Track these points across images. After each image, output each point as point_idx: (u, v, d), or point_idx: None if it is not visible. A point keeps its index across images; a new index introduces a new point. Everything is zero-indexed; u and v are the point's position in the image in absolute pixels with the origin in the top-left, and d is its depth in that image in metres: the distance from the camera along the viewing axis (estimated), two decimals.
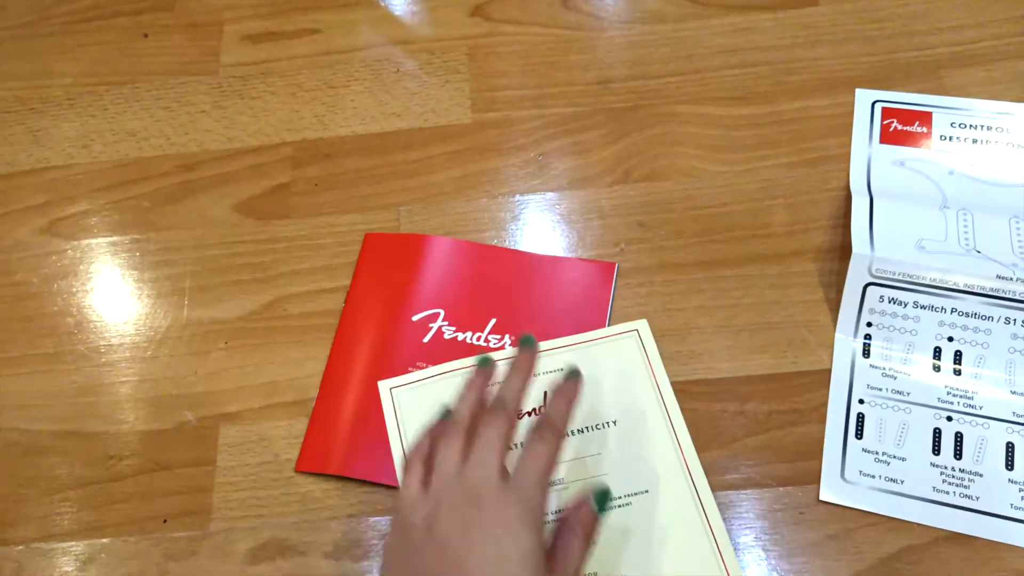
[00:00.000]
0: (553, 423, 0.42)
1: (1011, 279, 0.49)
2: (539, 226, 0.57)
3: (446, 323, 0.55)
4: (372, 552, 0.48)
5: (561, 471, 0.49)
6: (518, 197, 0.59)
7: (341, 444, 0.51)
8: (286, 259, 0.58)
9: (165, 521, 0.50)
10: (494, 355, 0.48)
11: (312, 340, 0.55)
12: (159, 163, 0.63)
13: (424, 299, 0.55)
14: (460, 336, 0.54)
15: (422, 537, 0.39)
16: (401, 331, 0.54)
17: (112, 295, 0.58)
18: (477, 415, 0.42)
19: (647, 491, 0.47)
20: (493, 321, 0.54)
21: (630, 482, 0.48)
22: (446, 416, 0.44)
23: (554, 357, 0.52)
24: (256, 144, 0.63)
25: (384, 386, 0.52)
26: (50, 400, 0.55)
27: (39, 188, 0.63)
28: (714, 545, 0.46)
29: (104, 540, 0.50)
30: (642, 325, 0.53)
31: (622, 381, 0.51)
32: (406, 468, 0.42)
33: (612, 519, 0.47)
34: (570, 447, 0.49)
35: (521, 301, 0.55)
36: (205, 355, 0.55)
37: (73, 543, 0.50)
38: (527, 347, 0.45)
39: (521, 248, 0.57)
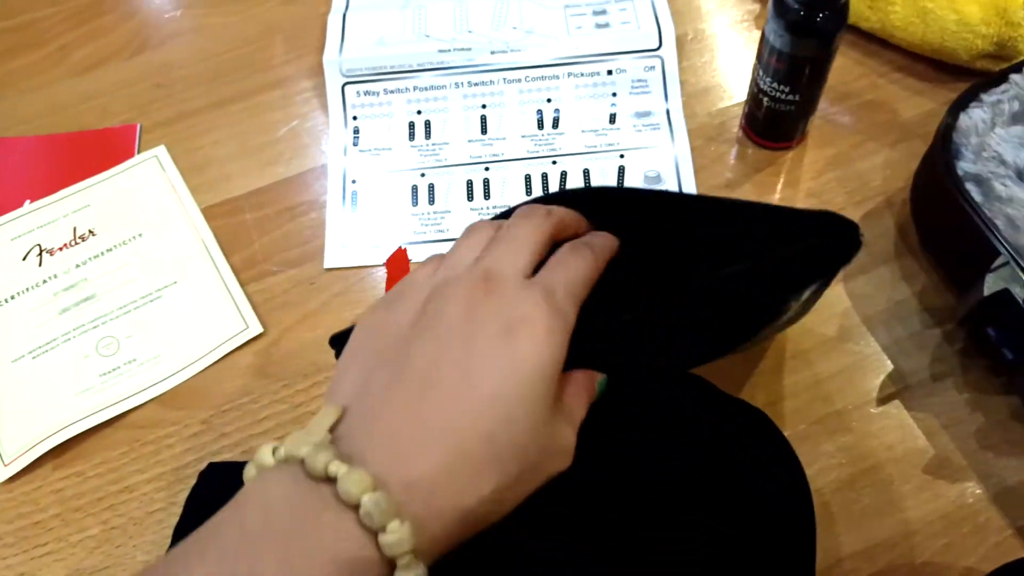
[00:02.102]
0: (593, 246, 0.36)
1: (450, 51, 0.57)
2: (66, 111, 0.61)
3: None
4: None
5: (93, 283, 0.53)
6: (42, 90, 0.62)
7: None
8: None
9: None
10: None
11: None
12: None
13: None
14: None
15: (411, 317, 0.32)
16: None
17: None
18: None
19: (176, 282, 0.53)
20: (28, 201, 0.58)
21: (160, 278, 0.54)
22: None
23: (81, 195, 0.57)
24: None
25: None
26: None
27: None
28: (236, 310, 0.52)
29: None
30: (160, 151, 0.58)
31: (147, 201, 0.56)
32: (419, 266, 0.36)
33: (146, 312, 0.53)
34: (100, 264, 0.54)
35: (53, 179, 0.58)
36: None
37: None
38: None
39: (51, 132, 0.60)
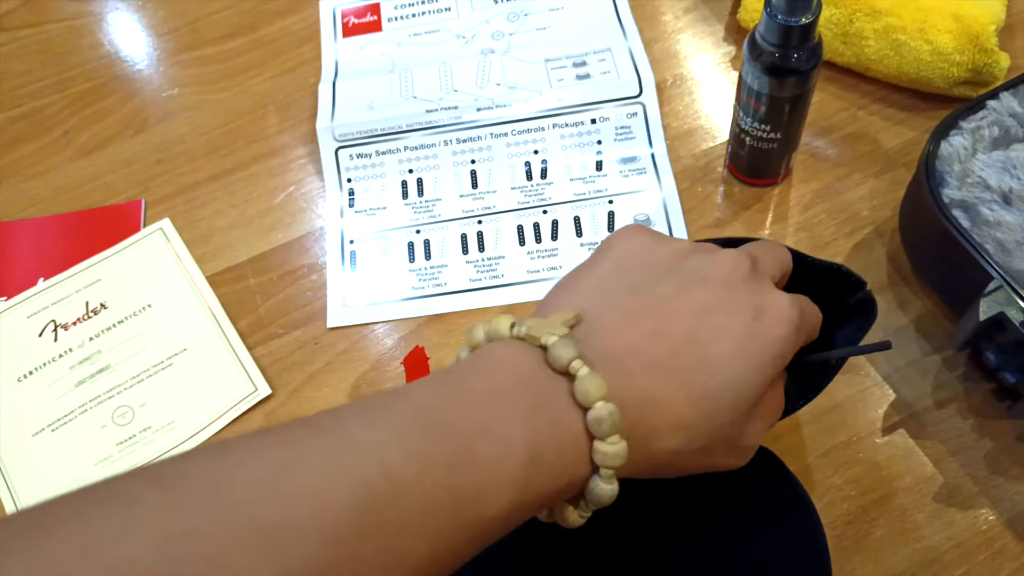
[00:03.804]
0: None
1: (437, 110, 0.57)
2: (73, 191, 0.60)
3: None
4: None
5: (107, 355, 0.52)
6: (49, 173, 0.61)
7: None
8: None
9: None
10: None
11: None
12: None
13: None
14: (11, 302, 0.56)
15: (668, 261, 0.31)
16: None
17: None
18: None
19: (186, 349, 0.52)
20: (41, 279, 0.57)
21: (170, 346, 0.52)
22: None
23: (92, 271, 0.56)
24: None
25: None
26: None
27: None
28: (245, 373, 0.51)
29: None
30: (165, 224, 0.57)
31: (155, 273, 0.55)
32: None
33: (159, 380, 0.51)
34: (112, 335, 0.53)
35: (64, 257, 0.57)
36: None
37: None
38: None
39: (59, 212, 0.59)
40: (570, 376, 0.27)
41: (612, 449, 0.26)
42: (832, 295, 0.38)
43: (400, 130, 0.57)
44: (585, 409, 0.26)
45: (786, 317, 0.30)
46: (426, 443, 0.24)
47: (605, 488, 0.27)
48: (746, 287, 0.30)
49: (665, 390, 0.28)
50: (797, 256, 0.37)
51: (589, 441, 0.26)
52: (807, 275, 0.38)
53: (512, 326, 0.28)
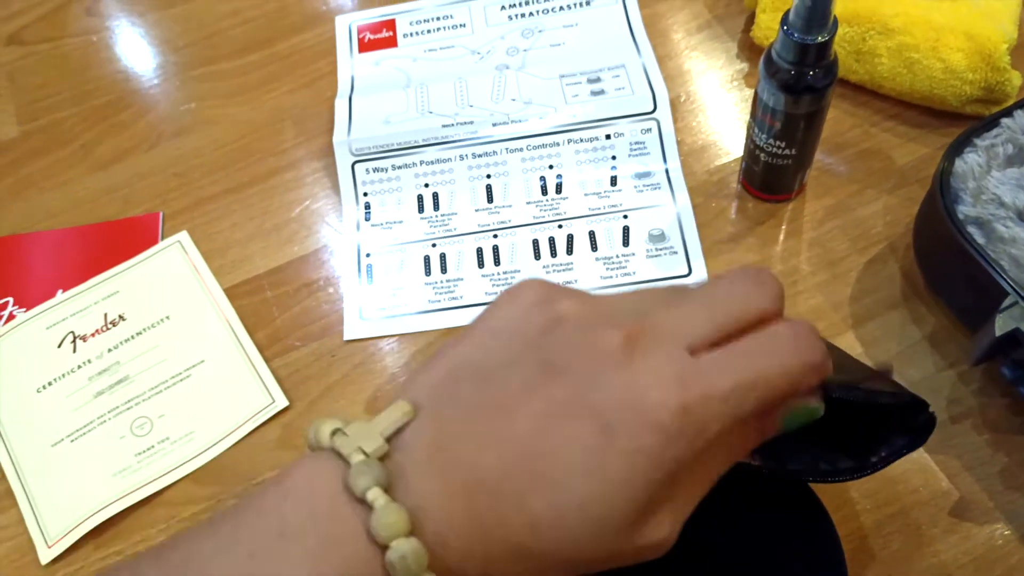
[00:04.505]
0: (800, 351, 0.25)
1: (453, 125, 0.57)
2: (91, 203, 0.60)
3: (17, 307, 0.57)
4: None
5: (126, 366, 0.53)
6: (67, 185, 0.62)
7: None
8: None
9: None
10: None
11: None
12: None
13: None
14: (30, 313, 0.56)
15: (533, 334, 0.25)
16: None
17: None
18: None
19: (203, 361, 0.53)
20: (60, 291, 0.57)
21: (188, 358, 0.53)
22: None
23: (110, 282, 0.56)
24: None
25: None
26: None
27: None
28: (262, 385, 0.51)
29: None
30: (183, 236, 0.57)
31: (173, 285, 0.56)
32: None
33: (177, 391, 0.52)
34: (131, 347, 0.54)
35: (83, 269, 0.58)
36: None
37: None
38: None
39: (77, 225, 0.60)
40: (369, 506, 0.23)
41: None
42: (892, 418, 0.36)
43: (416, 145, 0.57)
44: (384, 547, 0.22)
45: (649, 421, 0.22)
46: None
47: None
48: (605, 380, 0.23)
49: (496, 515, 0.23)
50: (865, 393, 0.34)
51: None
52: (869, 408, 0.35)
53: (334, 433, 0.24)
